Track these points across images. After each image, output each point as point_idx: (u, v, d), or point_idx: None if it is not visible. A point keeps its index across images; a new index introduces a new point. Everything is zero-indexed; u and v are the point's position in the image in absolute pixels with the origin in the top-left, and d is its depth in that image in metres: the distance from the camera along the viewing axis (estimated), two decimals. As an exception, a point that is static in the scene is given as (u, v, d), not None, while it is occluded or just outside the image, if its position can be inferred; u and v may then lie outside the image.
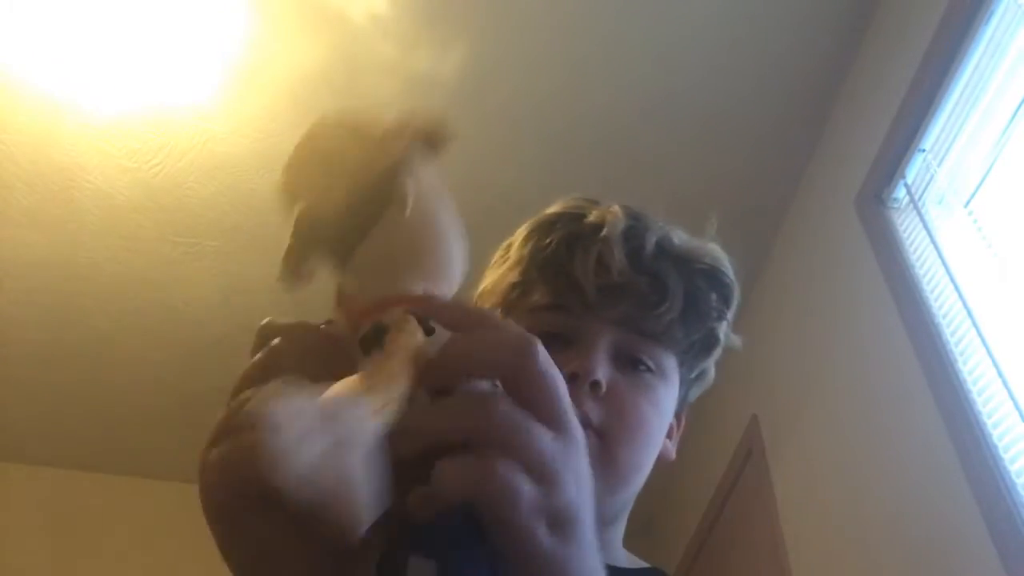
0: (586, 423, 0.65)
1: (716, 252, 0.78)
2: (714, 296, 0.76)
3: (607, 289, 0.70)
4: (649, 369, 0.71)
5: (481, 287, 0.79)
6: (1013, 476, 1.34)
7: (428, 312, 0.38)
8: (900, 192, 1.93)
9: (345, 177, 0.43)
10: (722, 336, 0.78)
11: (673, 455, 0.78)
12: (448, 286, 0.42)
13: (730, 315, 0.78)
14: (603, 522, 0.69)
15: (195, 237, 2.56)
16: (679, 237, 0.77)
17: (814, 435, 2.11)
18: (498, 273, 0.77)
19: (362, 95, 2.25)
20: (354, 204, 0.42)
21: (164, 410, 3.05)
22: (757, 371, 2.58)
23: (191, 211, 2.49)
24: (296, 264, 0.44)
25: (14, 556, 2.94)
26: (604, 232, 0.72)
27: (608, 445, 0.67)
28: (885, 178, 1.94)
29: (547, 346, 0.70)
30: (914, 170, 1.89)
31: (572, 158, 2.38)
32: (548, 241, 0.73)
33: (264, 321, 0.44)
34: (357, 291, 0.42)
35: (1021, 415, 1.35)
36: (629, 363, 0.70)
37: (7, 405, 3.00)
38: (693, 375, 0.78)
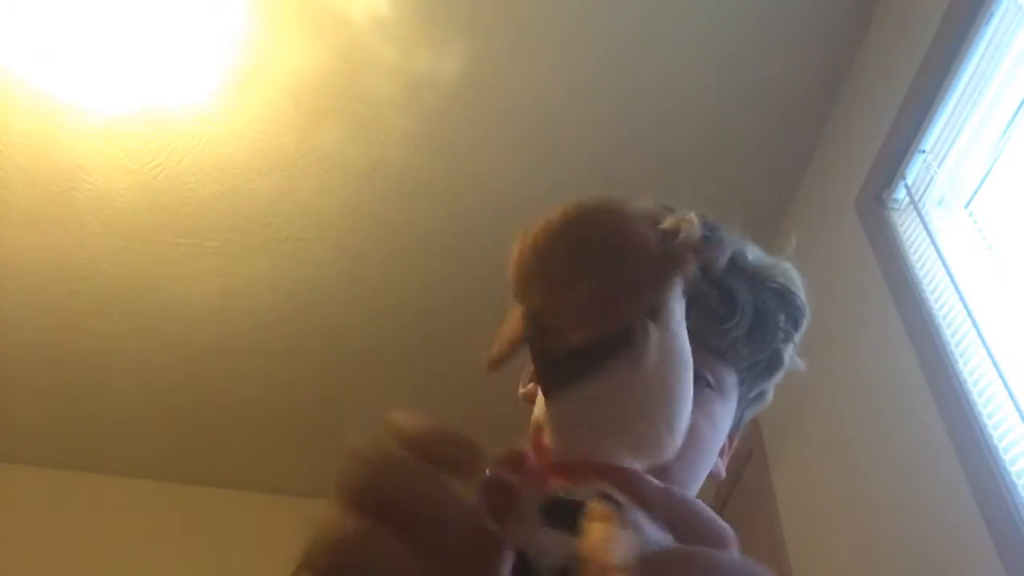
0: None
1: (790, 272, 0.76)
2: (783, 317, 0.74)
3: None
4: (710, 385, 0.69)
5: None
6: (1013, 477, 1.34)
7: (633, 497, 0.35)
8: (900, 193, 1.93)
9: (593, 285, 0.36)
10: (786, 359, 0.75)
11: (723, 474, 0.76)
12: (661, 462, 0.37)
13: (797, 337, 0.75)
14: None
15: (195, 238, 2.56)
16: (753, 253, 0.74)
17: (814, 436, 2.11)
18: None
19: (363, 96, 2.25)
20: (591, 321, 0.35)
21: (164, 411, 3.05)
22: (757, 372, 2.58)
23: (191, 212, 2.49)
24: (502, 357, 0.38)
25: (13, 557, 2.94)
26: (679, 239, 0.69)
27: (663, 464, 0.64)
28: (885, 179, 1.94)
29: None
30: (914, 171, 1.89)
31: (573, 159, 2.38)
32: None
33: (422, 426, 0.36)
34: (555, 433, 0.37)
35: (1021, 416, 1.35)
36: (695, 379, 0.69)
37: (6, 406, 3.00)
38: (752, 395, 0.76)
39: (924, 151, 1.86)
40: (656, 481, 0.37)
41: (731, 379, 0.71)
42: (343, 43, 2.16)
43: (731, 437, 0.77)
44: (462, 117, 2.30)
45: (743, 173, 2.41)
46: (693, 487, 0.69)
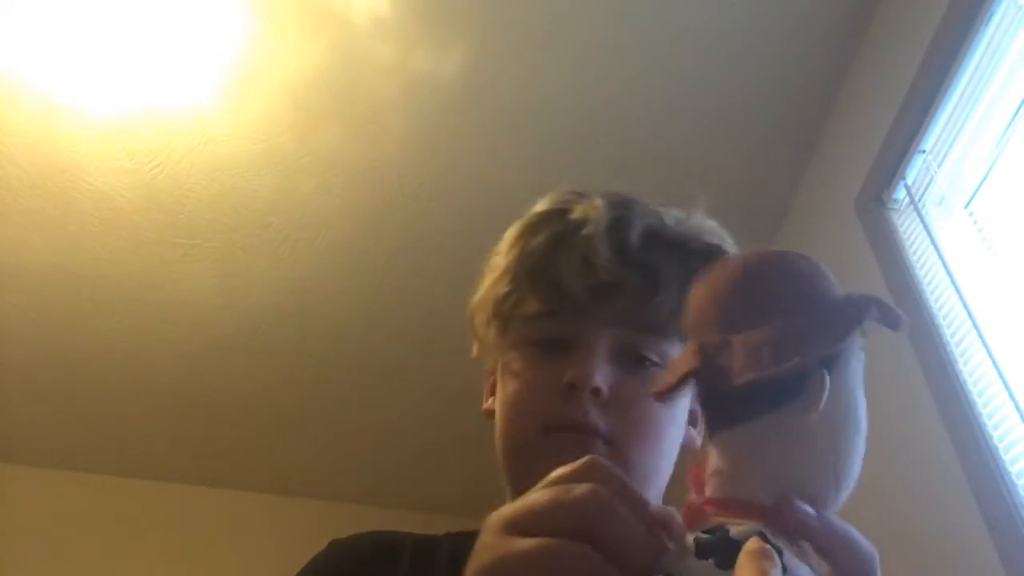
0: (594, 431, 0.64)
1: (712, 228, 0.75)
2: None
3: (597, 288, 0.67)
4: (655, 363, 0.68)
5: (476, 297, 0.77)
6: (1013, 477, 1.34)
7: (790, 528, 0.36)
8: (900, 193, 1.93)
9: (772, 329, 0.36)
10: None
11: (699, 442, 0.75)
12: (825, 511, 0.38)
13: None
14: None
15: (195, 238, 2.56)
16: (672, 218, 0.74)
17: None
18: (488, 282, 0.75)
19: (362, 96, 2.25)
20: (766, 363, 0.35)
21: (163, 411, 3.05)
22: (757, 372, 2.58)
23: (191, 212, 2.49)
24: (670, 390, 0.39)
25: (13, 557, 2.94)
26: (587, 229, 0.69)
27: (620, 452, 0.65)
28: (885, 179, 1.94)
29: (548, 354, 0.68)
30: (914, 171, 1.89)
31: (573, 159, 2.38)
32: (533, 245, 0.71)
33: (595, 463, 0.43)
34: (717, 470, 0.38)
35: (1021, 416, 1.35)
36: (634, 361, 0.68)
37: (6, 406, 3.00)
38: None
39: (924, 151, 1.85)
40: (812, 511, 0.38)
41: (676, 350, 0.69)
42: (343, 43, 2.16)
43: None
44: (462, 117, 2.30)
45: (743, 173, 2.41)
46: (659, 470, 0.69)
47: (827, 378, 0.36)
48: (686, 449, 0.72)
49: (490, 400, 0.77)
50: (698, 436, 0.76)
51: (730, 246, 0.75)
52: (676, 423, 0.71)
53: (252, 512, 3.28)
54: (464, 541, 0.77)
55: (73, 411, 3.05)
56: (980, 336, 1.50)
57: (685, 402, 0.72)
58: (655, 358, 0.68)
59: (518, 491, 0.62)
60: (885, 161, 1.93)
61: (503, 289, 0.72)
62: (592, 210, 0.71)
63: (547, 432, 0.66)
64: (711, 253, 0.71)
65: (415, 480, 3.30)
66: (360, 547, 0.77)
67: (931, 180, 1.84)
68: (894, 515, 1.66)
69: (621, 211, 0.71)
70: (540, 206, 0.76)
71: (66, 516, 3.12)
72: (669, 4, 2.11)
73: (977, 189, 1.75)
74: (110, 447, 3.17)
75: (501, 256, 0.75)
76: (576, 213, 0.71)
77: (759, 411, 0.37)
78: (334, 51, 2.17)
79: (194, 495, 3.28)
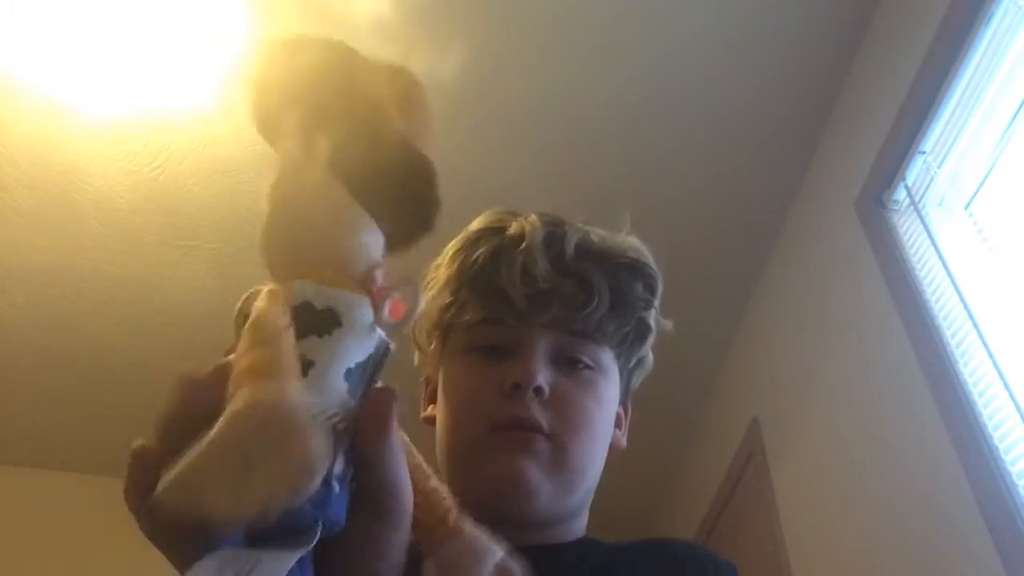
0: (538, 428, 0.70)
1: (635, 244, 0.81)
2: (639, 287, 0.79)
3: (535, 296, 0.73)
4: (588, 367, 0.75)
5: (423, 306, 0.80)
6: (1014, 478, 1.34)
7: None
8: (900, 194, 1.93)
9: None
10: (653, 323, 0.81)
11: (624, 443, 0.81)
12: None
13: (656, 302, 0.81)
14: (568, 517, 0.74)
15: (195, 240, 2.56)
16: (598, 236, 0.80)
17: (815, 438, 2.11)
18: (430, 294, 0.79)
19: (362, 98, 2.25)
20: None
21: (164, 413, 3.05)
22: (757, 374, 2.58)
23: (192, 214, 2.49)
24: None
25: (12, 560, 2.94)
26: (525, 242, 0.75)
27: (559, 446, 0.71)
28: (885, 180, 1.94)
29: (490, 359, 0.74)
30: (914, 172, 1.89)
31: (572, 161, 2.39)
32: (474, 257, 0.77)
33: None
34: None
35: (1022, 417, 1.35)
36: (568, 363, 0.74)
37: (6, 407, 3.00)
38: (631, 364, 0.81)
39: (924, 152, 1.85)
40: None
41: (607, 355, 0.77)
42: (343, 44, 2.16)
43: (624, 406, 0.83)
44: (461, 118, 2.30)
45: (743, 174, 2.41)
46: (593, 463, 0.74)
47: None
48: (612, 450, 0.78)
49: (429, 408, 0.81)
50: (622, 437, 0.82)
51: (650, 261, 0.81)
52: (607, 421, 0.77)
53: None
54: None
55: (73, 412, 3.05)
56: (980, 337, 1.50)
57: (614, 401, 0.78)
58: (588, 361, 0.75)
59: (461, 492, 0.65)
60: (885, 162, 1.93)
61: (446, 299, 0.77)
62: (528, 225, 0.77)
63: (493, 430, 0.71)
64: (636, 266, 0.79)
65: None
66: None
67: (931, 181, 1.84)
68: (895, 516, 1.66)
69: (554, 227, 0.78)
70: (476, 224, 0.81)
71: (67, 518, 3.11)
72: (669, 6, 2.11)
73: (977, 190, 1.75)
74: (110, 449, 3.16)
75: (442, 269, 0.79)
76: (513, 229, 0.78)
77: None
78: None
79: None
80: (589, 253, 0.77)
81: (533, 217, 0.79)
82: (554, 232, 0.77)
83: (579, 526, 0.76)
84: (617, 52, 2.18)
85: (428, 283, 0.81)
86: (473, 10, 2.12)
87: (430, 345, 0.80)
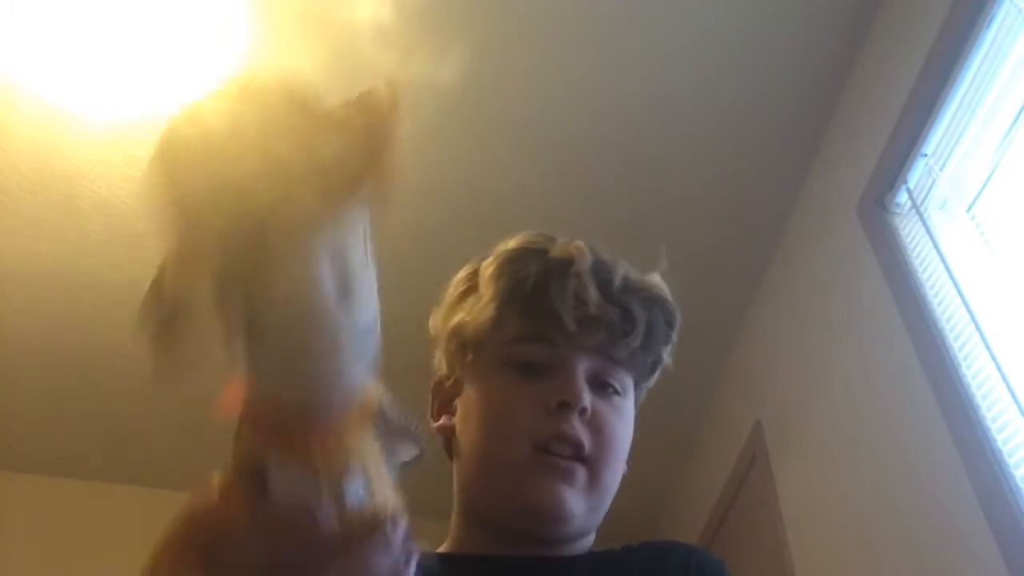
0: (580, 447, 0.74)
1: (662, 283, 0.85)
2: (664, 323, 0.83)
3: (584, 320, 0.77)
4: (616, 391, 0.79)
5: (456, 319, 0.82)
6: (1017, 480, 1.34)
7: None
8: (902, 197, 1.93)
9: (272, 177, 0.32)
10: (666, 358, 0.85)
11: (627, 467, 0.85)
12: None
13: (674, 338, 0.85)
14: (586, 534, 0.78)
15: (197, 245, 2.56)
16: (634, 272, 0.84)
17: (818, 441, 2.11)
18: (473, 308, 0.81)
19: (364, 102, 2.25)
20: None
21: (164, 419, 3.04)
22: (760, 377, 2.57)
23: (193, 219, 2.49)
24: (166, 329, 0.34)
25: (13, 568, 2.94)
26: (575, 267, 0.78)
27: (594, 472, 0.75)
28: (887, 183, 1.94)
29: (528, 376, 0.77)
30: (916, 175, 1.89)
31: (573, 166, 2.38)
32: (524, 276, 0.79)
33: None
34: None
35: (1025, 419, 1.35)
36: (600, 386, 0.78)
37: (8, 413, 3.00)
38: (640, 392, 0.85)
39: (926, 155, 1.85)
40: None
41: (629, 381, 0.81)
42: (344, 49, 2.16)
43: None
44: (461, 123, 2.30)
45: (745, 178, 2.41)
46: (615, 486, 0.79)
47: None
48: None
49: (443, 418, 0.83)
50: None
51: (672, 299, 0.85)
52: (628, 446, 0.81)
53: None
54: (431, 562, 0.82)
55: (75, 418, 3.05)
56: (983, 339, 1.49)
57: (633, 421, 0.82)
58: (617, 386, 0.79)
59: (491, 504, 0.68)
60: (887, 165, 1.93)
61: (492, 314, 0.78)
62: (575, 250, 0.81)
63: (535, 449, 0.73)
64: (664, 304, 0.83)
65: (416, 485, 3.29)
66: None
67: (933, 184, 1.83)
68: (898, 518, 1.66)
69: (598, 255, 0.82)
70: (513, 243, 0.83)
71: (67, 524, 3.11)
72: (669, 9, 2.11)
73: (979, 193, 1.75)
74: (113, 455, 3.16)
75: (485, 284, 0.81)
76: (556, 252, 0.81)
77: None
78: (335, 57, 2.17)
79: (196, 502, 3.27)
80: (632, 286, 0.81)
81: (578, 243, 0.82)
82: (601, 261, 0.81)
83: (590, 540, 0.79)
84: (618, 56, 2.19)
85: (453, 298, 0.84)
86: (473, 14, 2.12)
87: (465, 357, 0.81)
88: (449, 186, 2.43)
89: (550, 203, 2.43)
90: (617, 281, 0.79)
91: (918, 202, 1.86)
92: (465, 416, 0.80)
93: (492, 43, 2.17)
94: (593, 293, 0.77)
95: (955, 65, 1.74)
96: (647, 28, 2.14)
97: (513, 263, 0.80)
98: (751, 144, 2.35)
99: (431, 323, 0.88)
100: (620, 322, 0.78)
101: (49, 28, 2.09)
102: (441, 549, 0.84)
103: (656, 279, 0.85)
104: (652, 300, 0.82)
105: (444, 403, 0.84)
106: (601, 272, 0.79)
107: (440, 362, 0.85)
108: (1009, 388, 1.40)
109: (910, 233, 1.86)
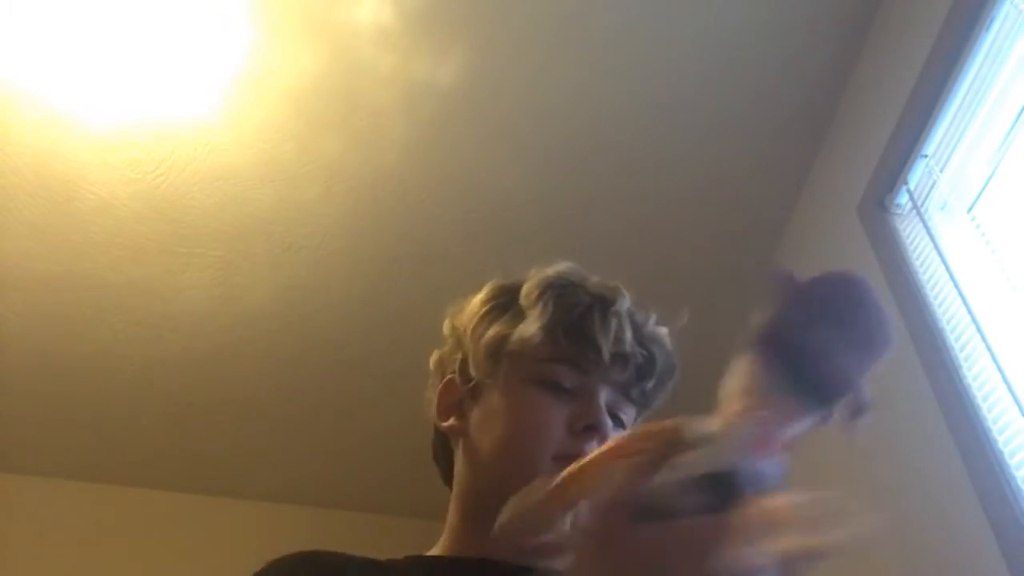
0: None
1: (668, 334, 0.93)
2: (670, 374, 0.91)
3: (617, 356, 0.84)
4: (623, 425, 0.86)
5: (493, 331, 0.87)
6: (1019, 482, 1.33)
7: None
8: (903, 198, 1.93)
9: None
10: (657, 404, 0.92)
11: None
12: None
13: (670, 387, 0.93)
14: None
15: (198, 247, 2.56)
16: (654, 320, 0.91)
17: (818, 443, 2.10)
18: (513, 323, 0.87)
19: (364, 105, 2.25)
20: None
21: (166, 420, 3.04)
22: (761, 378, 2.57)
23: (194, 222, 2.49)
24: None
25: (13, 567, 2.94)
26: (617, 306, 0.87)
27: None
28: (887, 184, 1.94)
29: (554, 396, 0.83)
30: (916, 176, 1.89)
31: (573, 168, 2.39)
32: (572, 304, 0.86)
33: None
34: None
35: (1026, 420, 1.35)
36: (611, 418, 0.85)
37: (8, 415, 3.00)
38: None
39: (926, 156, 1.85)
40: None
41: (633, 416, 0.89)
42: (345, 52, 2.16)
43: None
44: (463, 124, 2.30)
45: (745, 179, 2.41)
46: None
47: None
48: None
49: (453, 418, 0.89)
50: None
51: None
52: None
53: (255, 521, 3.27)
54: (428, 566, 0.83)
55: (75, 420, 3.05)
56: (984, 341, 1.49)
57: None
58: (625, 420, 0.86)
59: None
60: (887, 166, 1.93)
61: (535, 331, 0.84)
62: (614, 291, 0.89)
63: (554, 460, 0.78)
64: (671, 354, 0.91)
65: (417, 487, 3.29)
66: (296, 569, 0.77)
67: (933, 185, 1.83)
68: (899, 519, 1.65)
69: (629, 298, 0.89)
70: (553, 272, 0.90)
71: (68, 526, 3.11)
72: (669, 10, 2.11)
73: (980, 193, 1.75)
74: (113, 457, 3.17)
75: (531, 306, 0.87)
76: (594, 288, 0.89)
77: None
78: (336, 59, 2.17)
79: (196, 504, 3.28)
80: (656, 335, 0.89)
81: (615, 284, 0.91)
82: (635, 305, 0.89)
83: None
84: (618, 57, 2.19)
85: (485, 311, 0.90)
86: (473, 18, 2.12)
87: (497, 368, 0.86)
88: (452, 187, 2.43)
89: (550, 204, 2.43)
90: (648, 327, 0.88)
91: (919, 203, 1.86)
92: (486, 421, 0.85)
93: (492, 45, 2.17)
94: (629, 333, 0.85)
95: (955, 66, 1.74)
96: (647, 29, 2.14)
97: (562, 290, 0.87)
98: (751, 145, 2.35)
99: (447, 326, 0.95)
100: (644, 364, 0.86)
101: (50, 31, 2.10)
102: (436, 551, 0.85)
103: (667, 332, 0.92)
104: (666, 351, 0.90)
105: (453, 405, 0.89)
106: (636, 315, 0.88)
107: (453, 365, 0.91)
108: (1010, 389, 1.40)
109: (911, 234, 1.86)
